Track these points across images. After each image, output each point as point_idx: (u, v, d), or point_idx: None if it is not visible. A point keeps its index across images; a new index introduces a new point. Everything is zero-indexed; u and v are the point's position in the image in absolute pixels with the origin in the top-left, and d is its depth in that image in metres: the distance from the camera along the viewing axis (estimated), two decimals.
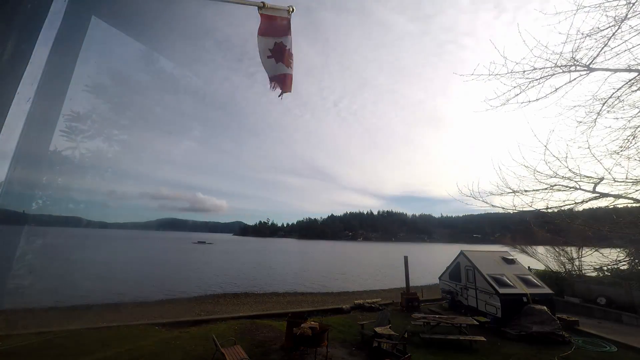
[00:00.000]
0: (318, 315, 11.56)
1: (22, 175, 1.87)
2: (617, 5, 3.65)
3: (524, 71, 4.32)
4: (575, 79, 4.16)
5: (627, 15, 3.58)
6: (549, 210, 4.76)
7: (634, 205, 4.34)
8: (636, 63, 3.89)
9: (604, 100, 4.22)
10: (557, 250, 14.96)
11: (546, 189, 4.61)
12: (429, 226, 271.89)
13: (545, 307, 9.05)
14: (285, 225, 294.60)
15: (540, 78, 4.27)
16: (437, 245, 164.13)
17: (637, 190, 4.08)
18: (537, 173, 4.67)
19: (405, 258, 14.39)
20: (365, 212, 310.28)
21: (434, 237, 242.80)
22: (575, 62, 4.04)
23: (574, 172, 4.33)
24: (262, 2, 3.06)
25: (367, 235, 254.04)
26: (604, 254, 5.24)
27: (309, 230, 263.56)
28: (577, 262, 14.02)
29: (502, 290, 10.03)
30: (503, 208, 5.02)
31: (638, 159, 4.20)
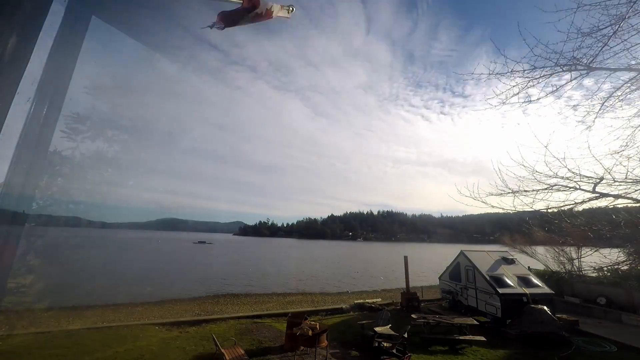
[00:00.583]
0: (318, 315, 11.56)
1: (22, 176, 1.87)
2: (618, 3, 3.65)
3: (524, 70, 4.32)
4: (575, 78, 4.16)
5: (627, 14, 3.58)
6: (549, 211, 4.75)
7: (634, 205, 4.34)
8: (636, 62, 3.90)
9: (604, 100, 4.22)
10: (557, 250, 14.96)
11: (546, 189, 4.61)
12: (429, 226, 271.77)
13: (545, 307, 9.04)
14: (285, 225, 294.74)
15: (541, 77, 4.27)
16: (437, 246, 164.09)
17: (637, 190, 4.07)
18: (537, 173, 4.67)
19: (405, 258, 14.39)
20: (365, 212, 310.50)
21: (434, 237, 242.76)
22: (575, 62, 4.04)
23: (573, 172, 4.32)
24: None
25: (367, 236, 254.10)
26: (604, 254, 5.24)
27: (309, 230, 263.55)
28: (577, 262, 14.02)
29: (502, 290, 10.03)
30: (503, 208, 5.02)
31: (638, 159, 4.20)
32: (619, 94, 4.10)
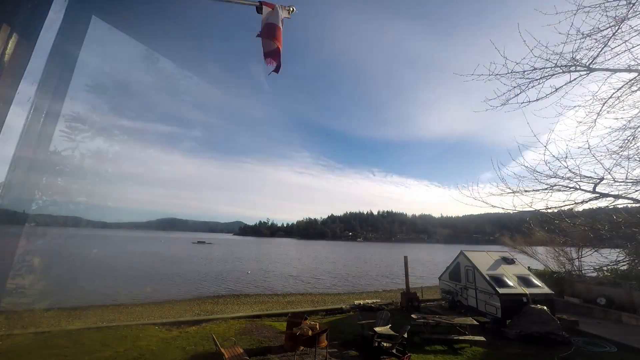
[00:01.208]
0: (318, 315, 11.56)
1: (22, 176, 1.87)
2: (618, 5, 3.65)
3: (524, 71, 4.31)
4: (575, 79, 4.15)
5: (627, 15, 3.58)
6: (549, 211, 4.75)
7: (634, 205, 4.34)
8: (636, 63, 3.89)
9: (604, 101, 4.22)
10: (557, 250, 14.97)
11: (546, 189, 4.61)
12: (429, 226, 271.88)
13: (545, 307, 9.04)
14: (285, 226, 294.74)
15: (541, 78, 4.27)
16: (437, 246, 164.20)
17: (637, 190, 4.07)
18: (537, 173, 4.67)
19: (405, 258, 14.39)
20: (365, 212, 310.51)
21: (434, 237, 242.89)
22: (575, 62, 4.04)
23: (573, 172, 4.32)
24: (259, 2, 3.08)
25: (367, 236, 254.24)
26: (604, 254, 5.24)
27: (308, 230, 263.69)
28: (577, 263, 14.03)
29: (501, 291, 10.03)
30: (503, 208, 5.02)
31: (638, 159, 4.20)
32: (619, 94, 4.10)
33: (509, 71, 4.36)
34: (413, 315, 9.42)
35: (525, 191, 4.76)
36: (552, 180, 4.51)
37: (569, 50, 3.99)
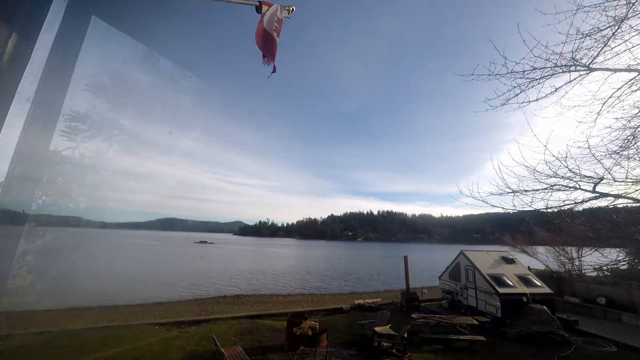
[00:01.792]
0: (318, 315, 11.57)
1: (22, 175, 1.87)
2: (617, 5, 3.65)
3: (524, 71, 4.32)
4: (575, 79, 4.16)
5: (627, 15, 3.58)
6: (549, 210, 4.76)
7: (634, 205, 4.34)
8: (636, 63, 3.89)
9: (604, 100, 4.22)
10: (557, 250, 14.97)
11: (546, 189, 4.61)
12: (429, 226, 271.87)
13: (545, 307, 9.04)
14: (285, 225, 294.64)
15: (541, 78, 4.27)
16: (437, 245, 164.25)
17: (637, 190, 4.08)
18: (537, 173, 4.67)
19: (405, 258, 14.39)
20: (365, 212, 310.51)
21: (434, 237, 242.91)
22: (575, 62, 4.04)
23: (573, 172, 4.33)
24: (259, 1, 3.07)
25: (367, 236, 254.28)
26: (604, 254, 5.25)
27: (308, 230, 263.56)
28: (577, 262, 14.03)
29: (502, 290, 10.03)
30: (503, 208, 5.02)
31: (638, 159, 4.20)
32: (619, 94, 4.10)
33: (509, 71, 4.37)
34: (413, 315, 9.42)
35: (526, 191, 4.76)
36: (552, 180, 4.52)
37: (568, 50, 3.99)
